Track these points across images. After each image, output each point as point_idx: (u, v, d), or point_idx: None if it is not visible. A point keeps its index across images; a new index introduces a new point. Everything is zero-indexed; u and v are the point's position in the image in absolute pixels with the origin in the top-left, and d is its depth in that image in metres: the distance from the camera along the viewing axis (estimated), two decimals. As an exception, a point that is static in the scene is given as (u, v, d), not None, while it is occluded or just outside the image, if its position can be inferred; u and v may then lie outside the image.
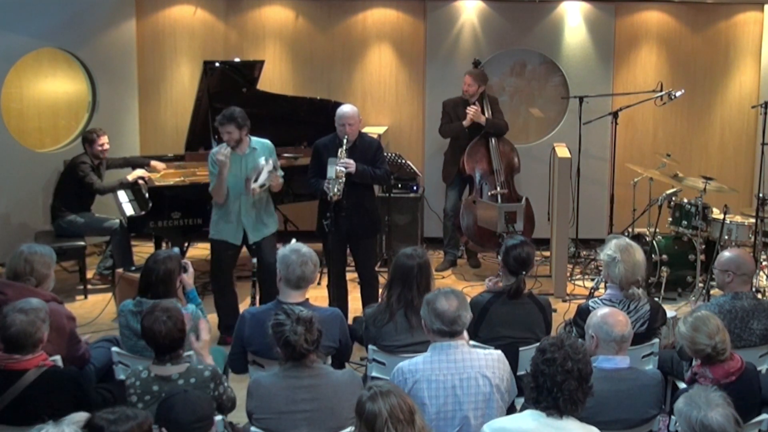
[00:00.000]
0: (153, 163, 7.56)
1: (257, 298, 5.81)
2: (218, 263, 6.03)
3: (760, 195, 6.82)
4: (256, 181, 5.74)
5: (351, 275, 6.45)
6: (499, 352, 3.79)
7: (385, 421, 2.92)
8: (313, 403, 3.52)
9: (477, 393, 3.60)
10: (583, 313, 4.45)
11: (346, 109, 5.87)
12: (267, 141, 5.99)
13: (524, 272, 4.55)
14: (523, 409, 3.38)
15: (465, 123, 7.57)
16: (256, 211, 5.93)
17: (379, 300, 4.85)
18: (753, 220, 6.84)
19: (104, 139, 7.28)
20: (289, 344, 3.53)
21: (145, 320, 3.78)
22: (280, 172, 5.97)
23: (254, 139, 5.92)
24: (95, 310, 6.68)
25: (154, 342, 3.75)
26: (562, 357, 3.16)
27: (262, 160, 5.76)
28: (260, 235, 5.95)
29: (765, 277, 7.14)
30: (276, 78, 8.62)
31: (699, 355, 3.82)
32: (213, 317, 5.88)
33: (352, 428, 3.47)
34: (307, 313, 3.63)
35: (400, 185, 7.95)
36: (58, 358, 4.15)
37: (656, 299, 5.72)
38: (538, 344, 3.35)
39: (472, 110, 7.52)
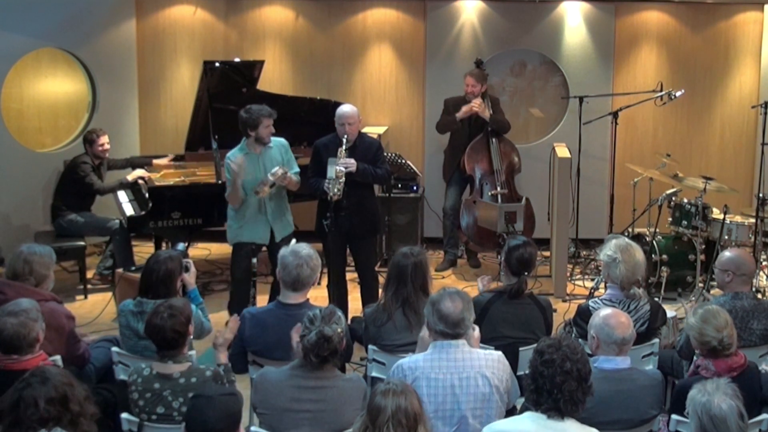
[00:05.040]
0: (155, 162, 7.57)
1: (257, 298, 5.81)
2: (245, 261, 5.89)
3: (760, 195, 6.83)
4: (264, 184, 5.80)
5: (351, 275, 6.45)
6: (500, 353, 3.79)
7: (387, 418, 2.97)
8: (317, 404, 3.53)
9: (476, 393, 3.60)
10: (583, 313, 4.46)
11: (346, 108, 5.87)
12: (282, 139, 6.04)
13: (526, 273, 4.56)
14: (523, 409, 3.37)
15: (459, 115, 7.55)
16: (280, 210, 5.99)
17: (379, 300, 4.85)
18: (753, 220, 6.84)
19: (105, 139, 7.29)
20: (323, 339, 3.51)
21: (150, 315, 3.82)
22: (296, 170, 6.00)
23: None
24: (95, 310, 6.68)
25: (152, 336, 3.77)
26: (560, 358, 3.16)
27: (276, 169, 5.78)
28: (285, 232, 5.98)
29: (765, 277, 7.14)
30: (276, 78, 8.61)
31: (705, 348, 3.83)
32: (215, 317, 5.87)
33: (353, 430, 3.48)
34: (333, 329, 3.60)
35: (400, 185, 7.96)
36: (58, 358, 4.15)
37: (656, 299, 5.72)
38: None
39: (477, 102, 7.51)
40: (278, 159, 5.95)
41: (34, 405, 3.08)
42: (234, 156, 5.85)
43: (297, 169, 6.04)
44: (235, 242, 6.01)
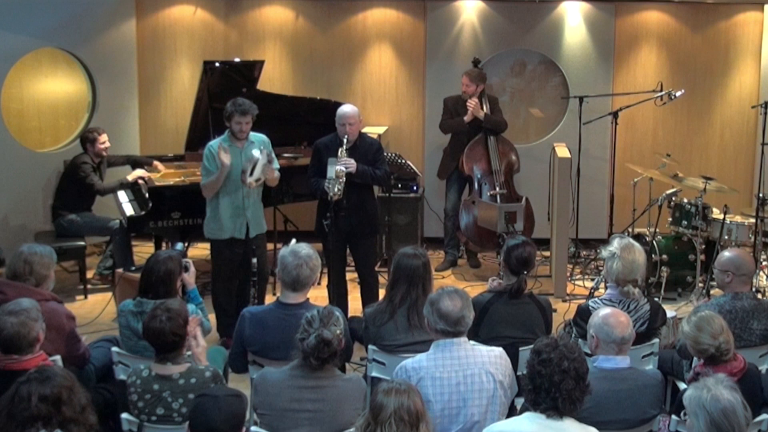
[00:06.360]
0: (156, 162, 7.57)
1: (257, 298, 5.81)
2: (228, 263, 5.91)
3: (760, 195, 6.82)
4: (251, 174, 5.71)
5: (351, 275, 6.45)
6: (501, 349, 3.80)
7: (389, 415, 2.99)
8: (317, 403, 3.53)
9: (481, 390, 3.61)
10: (583, 313, 4.46)
11: (346, 108, 5.87)
12: (262, 135, 5.98)
13: (526, 272, 4.57)
14: (523, 410, 3.38)
15: (466, 119, 7.57)
16: (256, 206, 5.93)
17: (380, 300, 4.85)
18: (753, 220, 6.84)
19: (104, 138, 7.29)
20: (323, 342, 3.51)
21: (147, 318, 3.80)
22: (276, 165, 5.92)
23: (251, 133, 5.91)
24: (95, 310, 6.68)
25: (152, 341, 3.76)
26: (558, 357, 3.17)
27: (256, 151, 5.72)
28: (260, 229, 5.94)
29: (765, 277, 7.14)
30: (276, 78, 8.62)
31: (702, 355, 3.81)
32: (213, 317, 5.87)
33: (353, 430, 3.48)
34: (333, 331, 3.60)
35: (400, 185, 7.95)
36: (58, 358, 4.15)
37: (656, 299, 5.72)
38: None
39: (472, 103, 7.51)
40: (256, 154, 5.85)
41: (27, 400, 3.09)
42: (215, 145, 5.75)
43: (277, 165, 5.97)
44: (213, 238, 5.94)
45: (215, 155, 5.70)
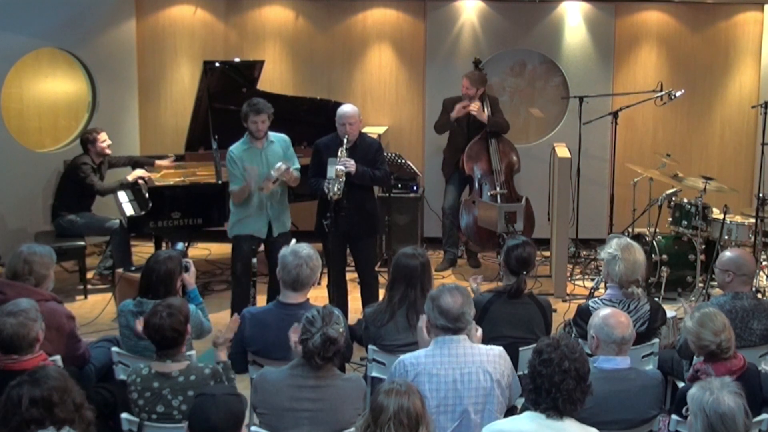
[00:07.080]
0: (158, 162, 7.57)
1: (257, 298, 5.81)
2: (245, 256, 5.92)
3: (760, 195, 6.82)
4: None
5: (351, 275, 6.45)
6: (501, 348, 3.80)
7: (389, 418, 2.99)
8: (316, 403, 3.54)
9: (477, 387, 3.61)
10: (583, 313, 4.46)
11: (346, 108, 5.87)
12: (283, 135, 6.07)
13: (525, 272, 4.57)
14: (523, 409, 3.38)
15: (453, 114, 7.57)
16: (281, 206, 6.05)
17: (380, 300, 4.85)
18: (753, 220, 6.84)
19: (104, 136, 7.29)
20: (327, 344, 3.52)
21: (148, 314, 3.82)
22: (297, 165, 6.03)
23: (270, 132, 5.97)
24: (95, 310, 6.68)
25: (152, 336, 3.77)
26: (558, 357, 3.17)
27: (279, 164, 5.82)
28: (283, 228, 6.04)
29: (765, 277, 7.14)
30: (276, 78, 8.61)
31: (703, 352, 3.82)
32: (215, 317, 5.86)
33: (353, 430, 3.48)
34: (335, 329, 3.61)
35: (400, 185, 7.95)
36: (58, 358, 4.15)
37: (656, 299, 5.72)
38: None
39: (475, 106, 7.51)
40: (280, 154, 5.98)
41: (18, 404, 3.08)
42: (237, 150, 5.90)
43: (298, 165, 6.07)
44: (234, 234, 6.04)
45: (235, 159, 5.85)
